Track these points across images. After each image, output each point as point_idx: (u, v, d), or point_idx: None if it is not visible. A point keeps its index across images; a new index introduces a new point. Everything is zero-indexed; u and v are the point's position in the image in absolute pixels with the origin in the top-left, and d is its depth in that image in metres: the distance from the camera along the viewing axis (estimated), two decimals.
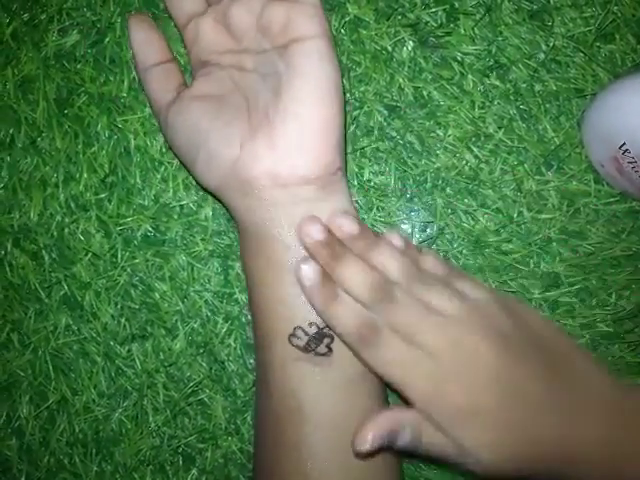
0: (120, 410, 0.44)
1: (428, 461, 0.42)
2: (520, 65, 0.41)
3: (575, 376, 0.34)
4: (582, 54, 0.41)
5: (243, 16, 0.36)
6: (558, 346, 0.35)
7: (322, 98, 0.34)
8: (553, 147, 0.41)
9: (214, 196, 0.39)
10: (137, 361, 0.43)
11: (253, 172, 0.35)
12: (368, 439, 0.32)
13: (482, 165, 0.42)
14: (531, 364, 0.33)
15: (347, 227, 0.34)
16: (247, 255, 0.37)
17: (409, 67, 0.41)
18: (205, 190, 0.40)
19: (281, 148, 0.34)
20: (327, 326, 0.34)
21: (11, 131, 0.43)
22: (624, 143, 0.36)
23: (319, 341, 0.35)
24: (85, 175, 0.43)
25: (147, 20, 0.40)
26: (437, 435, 0.32)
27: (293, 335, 0.35)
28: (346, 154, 0.40)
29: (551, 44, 0.41)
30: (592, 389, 0.34)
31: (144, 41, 0.39)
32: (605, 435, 0.33)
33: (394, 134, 0.42)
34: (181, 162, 0.40)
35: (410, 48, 0.41)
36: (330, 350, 0.35)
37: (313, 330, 0.34)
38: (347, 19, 0.41)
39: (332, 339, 0.34)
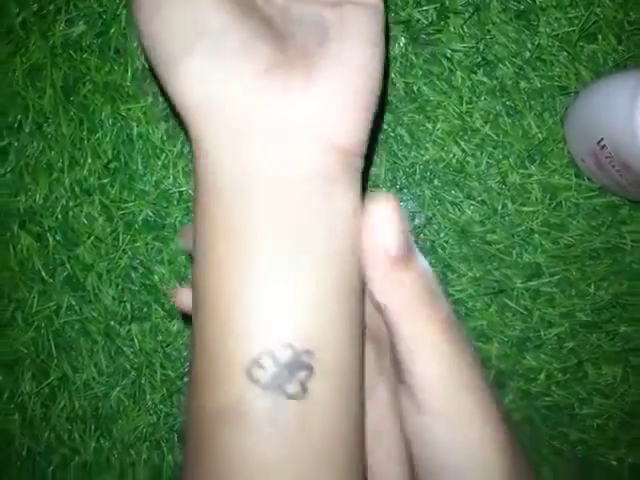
0: (119, 388, 0.45)
1: None
2: (507, 62, 0.42)
3: None
4: (566, 53, 0.42)
5: None
6: None
7: (367, 65, 0.27)
8: (537, 142, 0.43)
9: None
10: (136, 341, 0.45)
11: (275, 108, 0.25)
12: None
13: (469, 158, 0.43)
14: None
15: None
16: (201, 221, 0.26)
17: (401, 63, 0.43)
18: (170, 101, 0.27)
19: (317, 96, 0.25)
20: (307, 351, 0.23)
21: (19, 117, 0.44)
22: (602, 139, 0.38)
23: (291, 375, 0.22)
24: (89, 160, 0.44)
25: None
26: None
27: (256, 364, 0.23)
28: None
29: (536, 43, 0.42)
30: None
31: None
32: None
33: (385, 127, 0.43)
34: (151, 55, 0.27)
35: (402, 44, 0.43)
36: (305, 390, 0.23)
37: (287, 356, 0.23)
38: None
39: (311, 373, 0.23)
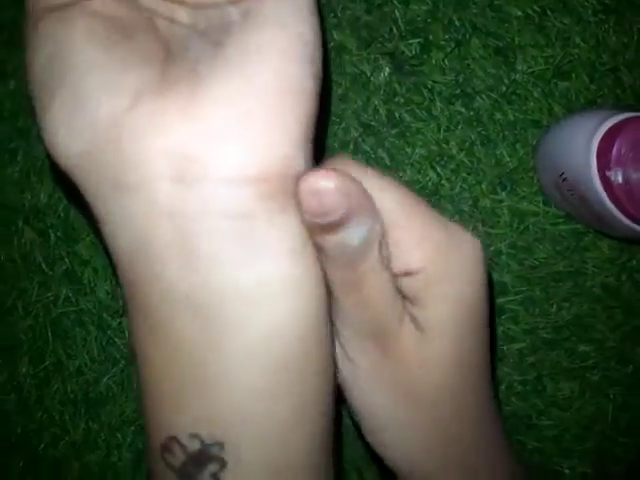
0: (108, 375, 0.46)
1: None
2: (483, 95, 0.44)
3: None
4: (540, 89, 0.44)
5: None
6: None
7: (286, 52, 0.20)
8: (508, 170, 0.45)
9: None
10: (126, 333, 0.46)
11: (148, 145, 0.20)
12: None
13: (443, 182, 0.45)
14: None
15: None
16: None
17: (384, 91, 0.45)
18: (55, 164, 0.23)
19: (209, 115, 0.20)
20: (218, 443, 0.20)
21: (28, 122, 0.45)
22: (563, 173, 0.40)
23: (201, 465, 0.21)
24: None
25: None
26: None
27: (166, 449, 0.21)
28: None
29: (513, 78, 0.44)
30: None
31: None
32: None
33: (367, 149, 0.45)
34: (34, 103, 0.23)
35: (386, 74, 0.44)
36: None
37: (194, 446, 0.21)
38: (331, 45, 0.44)
39: (223, 466, 0.20)
